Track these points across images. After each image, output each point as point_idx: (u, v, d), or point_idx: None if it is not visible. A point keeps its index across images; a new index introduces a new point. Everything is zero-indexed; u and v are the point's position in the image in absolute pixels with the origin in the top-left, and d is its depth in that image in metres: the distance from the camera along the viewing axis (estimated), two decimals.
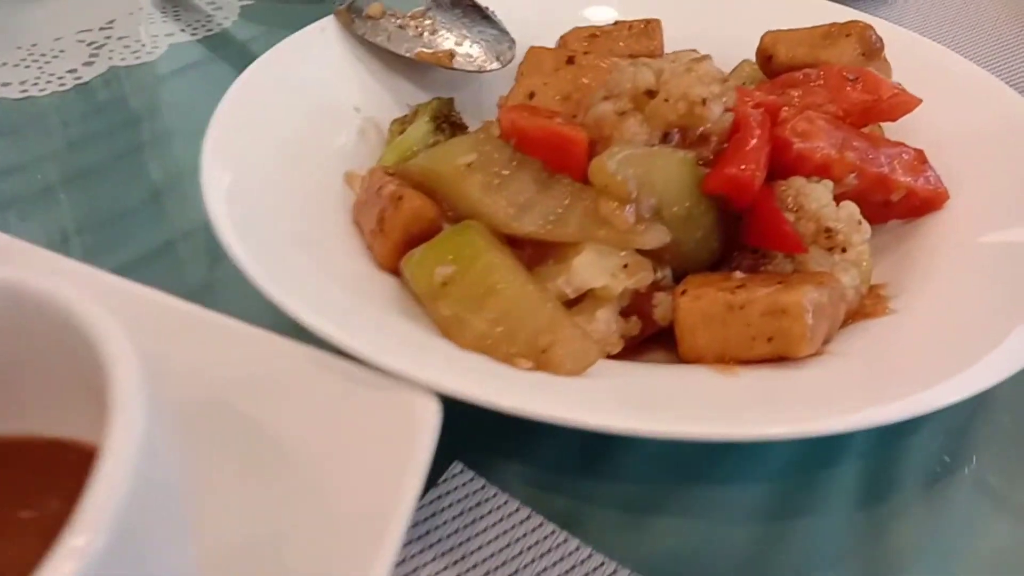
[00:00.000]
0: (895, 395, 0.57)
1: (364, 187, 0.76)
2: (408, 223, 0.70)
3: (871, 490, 0.64)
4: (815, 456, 0.65)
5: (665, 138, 0.71)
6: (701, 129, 0.70)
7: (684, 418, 0.54)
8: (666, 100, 0.69)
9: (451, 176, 0.69)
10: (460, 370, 0.58)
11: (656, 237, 0.66)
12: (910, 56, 0.90)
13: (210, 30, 1.31)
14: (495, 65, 0.94)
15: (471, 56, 0.94)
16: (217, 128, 0.77)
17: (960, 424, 0.69)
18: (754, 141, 0.68)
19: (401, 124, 0.87)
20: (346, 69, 0.93)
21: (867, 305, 0.70)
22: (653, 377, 0.61)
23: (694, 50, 0.77)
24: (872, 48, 0.86)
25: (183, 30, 1.31)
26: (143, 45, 1.26)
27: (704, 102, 0.68)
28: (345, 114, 0.90)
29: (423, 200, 0.71)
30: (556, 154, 0.70)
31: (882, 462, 0.66)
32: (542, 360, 0.59)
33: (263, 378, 0.60)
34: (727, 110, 0.71)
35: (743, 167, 0.67)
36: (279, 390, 0.59)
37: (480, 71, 0.94)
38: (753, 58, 0.91)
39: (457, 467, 0.64)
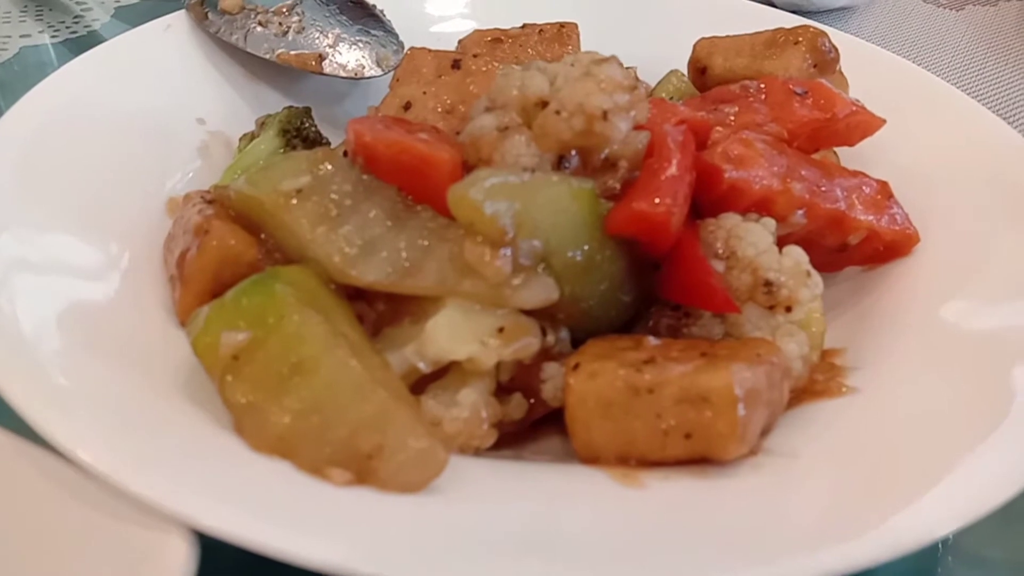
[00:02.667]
0: (861, 524, 0.40)
1: (176, 217, 0.59)
2: (216, 267, 0.52)
3: None
4: None
5: (560, 163, 0.55)
6: (606, 152, 0.54)
7: (550, 567, 0.37)
8: (558, 112, 0.52)
9: (274, 205, 0.52)
10: (237, 492, 0.40)
11: (539, 293, 0.50)
12: (870, 71, 0.76)
13: (75, 32, 1.15)
14: (375, 71, 0.78)
15: (345, 60, 0.77)
16: None
17: None
18: (672, 168, 0.52)
19: (250, 139, 0.70)
20: (192, 74, 0.77)
21: (818, 381, 0.55)
22: (521, 493, 0.44)
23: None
24: (825, 59, 0.71)
25: (42, 31, 1.14)
26: None
27: (605, 115, 0.52)
28: (184, 128, 0.73)
29: (239, 237, 0.53)
30: (414, 180, 0.53)
31: None
32: (366, 470, 0.42)
33: None
34: (639, 128, 0.55)
35: (656, 201, 0.51)
36: None
37: (356, 78, 0.77)
38: (684, 69, 0.76)
39: None
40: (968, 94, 0.76)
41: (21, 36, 1.12)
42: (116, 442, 0.41)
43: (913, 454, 0.47)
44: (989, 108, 0.74)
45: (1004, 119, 0.73)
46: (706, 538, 0.41)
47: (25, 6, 1.18)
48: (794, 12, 0.98)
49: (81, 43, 1.11)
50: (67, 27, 1.15)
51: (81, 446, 0.40)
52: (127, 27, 1.13)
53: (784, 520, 0.42)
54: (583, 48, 0.79)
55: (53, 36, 1.12)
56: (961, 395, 0.51)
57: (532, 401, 0.53)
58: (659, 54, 0.79)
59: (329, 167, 0.54)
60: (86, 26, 1.15)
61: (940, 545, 0.53)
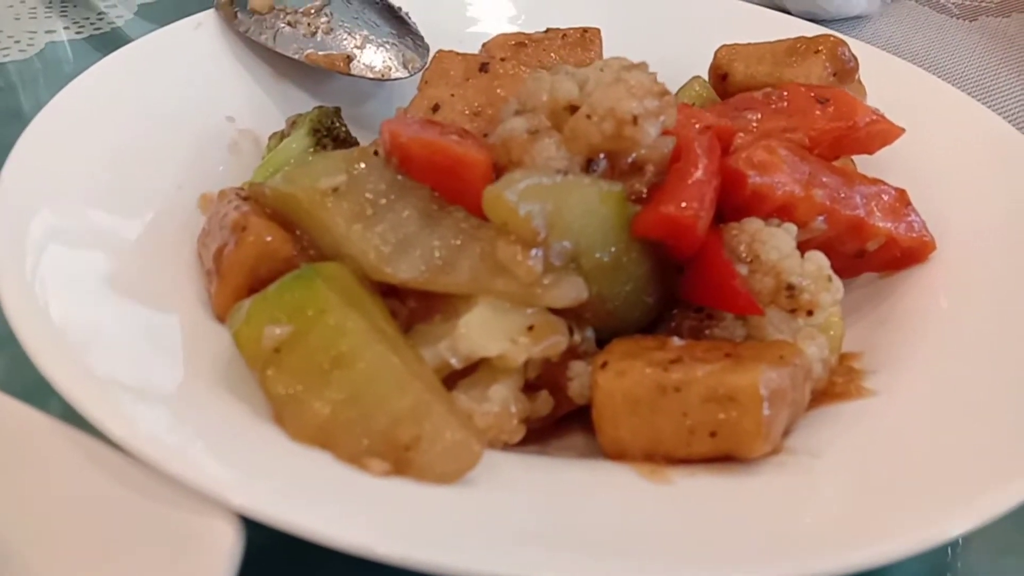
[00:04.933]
0: (883, 521, 0.42)
1: (211, 213, 0.60)
2: (253, 263, 0.54)
3: None
4: None
5: (589, 165, 0.56)
6: (633, 156, 0.56)
7: (584, 558, 0.38)
8: (589, 116, 0.54)
9: (311, 202, 0.53)
10: (279, 480, 0.41)
11: (569, 292, 0.51)
12: (888, 80, 0.77)
13: (99, 28, 1.17)
14: (401, 73, 0.79)
15: (372, 62, 0.78)
16: (30, 142, 0.62)
17: None
18: (699, 172, 0.54)
19: (280, 138, 0.72)
20: (221, 72, 0.78)
21: (837, 383, 0.56)
22: (553, 487, 0.46)
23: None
24: (845, 67, 0.72)
25: (68, 27, 1.16)
26: (17, 42, 1.11)
27: (635, 120, 0.53)
28: (214, 125, 0.74)
29: (276, 233, 0.55)
30: (448, 180, 0.55)
31: None
32: (403, 461, 0.43)
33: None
34: (666, 133, 0.56)
35: (684, 205, 0.52)
36: (17, 485, 0.42)
37: (383, 79, 0.78)
38: (706, 75, 0.77)
39: None
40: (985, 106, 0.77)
41: (46, 32, 1.13)
42: (162, 429, 0.42)
43: (932, 454, 0.48)
44: (1001, 119, 0.75)
45: (1016, 130, 0.74)
46: (732, 533, 0.42)
47: (50, 2, 1.19)
48: (809, 20, 0.99)
49: (105, 39, 1.13)
50: (91, 23, 1.16)
51: (129, 432, 0.41)
52: (150, 24, 1.16)
53: (807, 517, 0.44)
54: (605, 54, 0.81)
55: (78, 32, 1.14)
56: (978, 397, 0.52)
57: (558, 398, 0.55)
58: (680, 60, 0.80)
59: (364, 166, 0.55)
60: (110, 23, 1.17)
61: (952, 550, 0.54)
